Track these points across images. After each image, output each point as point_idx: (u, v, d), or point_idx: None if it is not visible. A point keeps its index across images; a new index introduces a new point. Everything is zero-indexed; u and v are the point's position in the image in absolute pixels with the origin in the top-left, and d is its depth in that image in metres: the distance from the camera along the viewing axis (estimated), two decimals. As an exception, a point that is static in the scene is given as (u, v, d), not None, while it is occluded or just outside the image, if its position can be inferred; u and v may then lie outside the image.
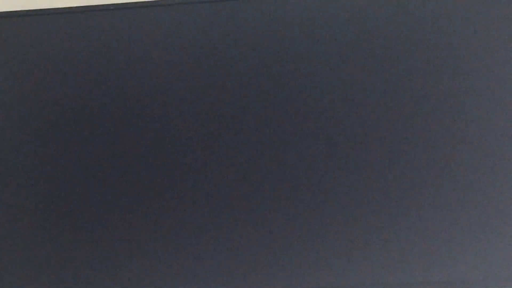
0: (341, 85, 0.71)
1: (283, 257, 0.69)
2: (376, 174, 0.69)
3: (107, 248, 0.71)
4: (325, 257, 0.69)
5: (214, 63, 0.73)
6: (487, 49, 0.71)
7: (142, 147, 0.72)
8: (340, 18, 0.72)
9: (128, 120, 0.73)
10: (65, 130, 0.73)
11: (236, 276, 0.69)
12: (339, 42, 0.72)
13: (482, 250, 0.67)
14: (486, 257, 0.67)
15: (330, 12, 0.73)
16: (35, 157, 0.73)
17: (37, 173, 0.73)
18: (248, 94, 0.72)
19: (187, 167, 0.71)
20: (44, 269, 0.71)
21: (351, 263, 0.68)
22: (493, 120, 0.69)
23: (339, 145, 0.70)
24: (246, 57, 0.73)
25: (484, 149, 0.69)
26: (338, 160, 0.70)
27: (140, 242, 0.71)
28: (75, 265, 0.71)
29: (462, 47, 0.71)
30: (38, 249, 0.72)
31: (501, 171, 0.68)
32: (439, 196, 0.69)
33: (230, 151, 0.71)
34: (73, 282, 0.71)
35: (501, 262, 0.67)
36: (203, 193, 0.71)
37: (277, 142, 0.71)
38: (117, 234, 0.71)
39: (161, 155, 0.72)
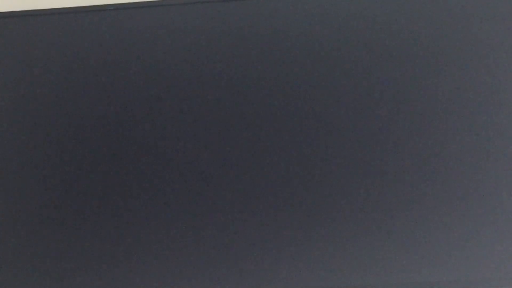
0: (341, 85, 0.71)
1: (283, 257, 0.69)
2: (376, 174, 0.69)
3: (106, 248, 0.71)
4: (325, 257, 0.69)
5: (214, 63, 0.73)
6: (487, 49, 0.70)
7: (142, 147, 0.72)
8: (341, 18, 0.72)
9: (129, 120, 0.73)
10: (65, 130, 0.73)
11: (236, 276, 0.69)
12: (340, 42, 0.72)
13: (482, 250, 0.67)
14: (486, 257, 0.67)
15: (331, 12, 0.73)
16: (35, 157, 0.73)
17: (38, 173, 0.73)
18: (248, 94, 0.72)
19: (188, 167, 0.71)
20: (44, 269, 0.71)
21: (351, 263, 0.68)
22: (493, 120, 0.69)
23: (341, 145, 0.70)
24: (246, 57, 0.73)
25: (484, 149, 0.69)
26: (338, 160, 0.70)
27: (140, 242, 0.71)
28: (75, 265, 0.71)
29: (462, 47, 0.71)
30: (37, 249, 0.72)
31: (501, 171, 0.68)
32: (439, 196, 0.68)
33: (230, 151, 0.71)
34: (73, 282, 0.71)
35: (501, 262, 0.67)
36: (203, 193, 0.71)
37: (278, 142, 0.71)
38: (117, 234, 0.71)
39: (161, 154, 0.72)
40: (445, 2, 0.72)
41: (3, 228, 0.73)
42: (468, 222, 0.68)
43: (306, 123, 0.71)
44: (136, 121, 0.73)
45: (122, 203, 0.71)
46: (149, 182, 0.72)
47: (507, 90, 0.70)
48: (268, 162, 0.71)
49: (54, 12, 0.75)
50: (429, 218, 0.68)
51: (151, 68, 0.73)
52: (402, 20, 0.72)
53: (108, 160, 0.72)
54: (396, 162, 0.69)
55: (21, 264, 0.72)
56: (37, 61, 0.75)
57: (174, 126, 0.72)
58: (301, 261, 0.69)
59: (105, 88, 0.74)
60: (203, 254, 0.70)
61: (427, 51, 0.71)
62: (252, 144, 0.71)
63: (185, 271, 0.70)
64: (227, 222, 0.70)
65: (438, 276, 0.67)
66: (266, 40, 0.73)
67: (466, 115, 0.70)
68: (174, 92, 0.73)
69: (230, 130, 0.72)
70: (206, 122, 0.72)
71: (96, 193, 0.72)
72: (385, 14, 0.72)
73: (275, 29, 0.73)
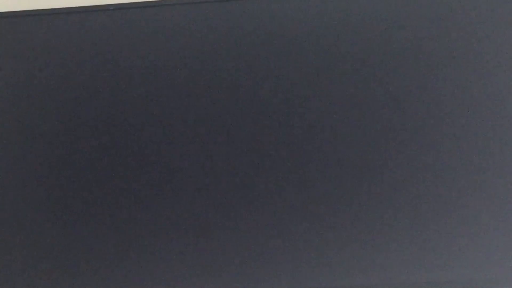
0: (342, 85, 0.71)
1: (283, 257, 0.69)
2: (376, 174, 0.69)
3: (107, 248, 0.71)
4: (325, 257, 0.69)
5: (214, 63, 0.73)
6: (487, 49, 0.71)
7: (142, 147, 0.72)
8: (341, 18, 0.72)
9: (128, 120, 0.73)
10: (65, 130, 0.73)
11: (235, 276, 0.69)
12: (340, 42, 0.72)
13: (482, 250, 0.67)
14: (486, 257, 0.67)
15: (331, 12, 0.73)
16: (35, 157, 0.73)
17: (38, 173, 0.73)
18: (248, 94, 0.72)
19: (188, 167, 0.71)
20: (44, 269, 0.71)
21: (351, 263, 0.68)
22: (493, 120, 0.69)
23: (341, 145, 0.70)
24: (246, 57, 0.73)
25: (484, 149, 0.69)
26: (338, 160, 0.70)
27: (140, 242, 0.71)
28: (75, 266, 0.71)
29: (463, 47, 0.71)
30: (37, 249, 0.72)
31: (501, 171, 0.68)
32: (440, 196, 0.69)
33: (230, 151, 0.71)
34: (73, 282, 0.71)
35: (501, 262, 0.67)
36: (203, 193, 0.71)
37: (278, 142, 0.71)
38: (117, 234, 0.71)
39: (161, 155, 0.72)
40: (445, 2, 0.72)
41: (3, 228, 0.72)
42: (468, 222, 0.68)
43: (306, 123, 0.71)
44: (136, 121, 0.73)
45: (123, 203, 0.71)
46: (149, 182, 0.72)
47: (507, 90, 0.70)
48: (268, 162, 0.71)
49: (54, 12, 0.76)
50: (430, 218, 0.68)
51: (151, 68, 0.73)
52: (402, 19, 0.72)
53: (108, 160, 0.72)
54: (396, 162, 0.69)
55: (21, 264, 0.72)
56: (37, 61, 0.75)
57: (174, 126, 0.72)
58: (301, 261, 0.69)
59: (105, 88, 0.74)
60: (203, 254, 0.70)
61: (427, 51, 0.71)
62: (252, 144, 0.71)
63: (186, 271, 0.70)
64: (227, 222, 0.70)
65: (438, 276, 0.67)
66: (266, 40, 0.73)
67: (466, 115, 0.70)
68: (174, 91, 0.73)
69: (230, 130, 0.72)
70: (206, 121, 0.72)
71: (97, 193, 0.72)
72: (386, 14, 0.72)
73: (275, 29, 0.73)
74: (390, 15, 0.72)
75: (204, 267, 0.70)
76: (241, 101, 0.72)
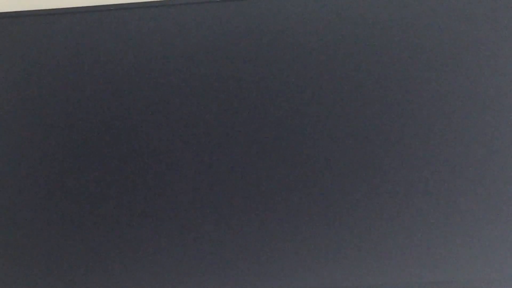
0: (342, 85, 0.71)
1: (283, 257, 0.69)
2: (376, 174, 0.69)
3: (106, 248, 0.71)
4: (324, 257, 0.69)
5: (214, 63, 0.73)
6: (487, 49, 0.71)
7: (143, 147, 0.72)
8: (341, 18, 0.72)
9: (129, 120, 0.73)
10: (65, 130, 0.73)
11: (235, 276, 0.69)
12: (340, 42, 0.72)
13: (482, 250, 0.67)
14: (486, 257, 0.67)
15: (331, 11, 0.73)
16: (35, 157, 0.73)
17: (38, 173, 0.73)
18: (248, 94, 0.72)
19: (188, 167, 0.71)
20: (43, 269, 0.71)
21: (350, 263, 0.68)
22: (493, 120, 0.69)
23: (340, 145, 0.70)
24: (246, 57, 0.73)
25: (484, 149, 0.69)
26: (338, 160, 0.70)
27: (139, 242, 0.71)
28: (75, 266, 0.71)
29: (463, 47, 0.71)
30: (37, 250, 0.72)
31: (501, 171, 0.68)
32: (440, 196, 0.69)
33: (231, 151, 0.71)
34: (73, 282, 0.71)
35: (501, 262, 0.67)
36: (202, 193, 0.71)
37: (278, 142, 0.71)
38: (117, 234, 0.71)
39: (161, 155, 0.72)
40: (446, 2, 0.72)
41: (3, 228, 0.72)
42: (468, 222, 0.68)
43: (306, 123, 0.71)
44: (136, 121, 0.73)
45: (123, 203, 0.71)
46: (148, 182, 0.72)
47: (508, 90, 0.70)
48: (268, 162, 0.71)
49: (54, 12, 0.75)
50: (429, 218, 0.68)
51: (151, 67, 0.73)
52: (402, 19, 0.72)
53: (109, 160, 0.72)
54: (396, 162, 0.69)
55: (21, 264, 0.71)
56: (37, 61, 0.75)
57: (173, 126, 0.72)
58: (301, 261, 0.69)
59: (105, 88, 0.74)
60: (202, 254, 0.70)
61: (428, 52, 0.71)
62: (252, 144, 0.71)
63: (186, 271, 0.70)
64: (227, 222, 0.70)
65: (438, 276, 0.67)
66: (266, 40, 0.73)
67: (465, 115, 0.70)
68: (174, 91, 0.73)
69: (229, 130, 0.72)
70: (206, 121, 0.72)
71: (96, 193, 0.72)
72: (385, 14, 0.72)
73: (275, 29, 0.73)
74: (391, 15, 0.72)
75: (204, 267, 0.70)
76: (241, 101, 0.72)
